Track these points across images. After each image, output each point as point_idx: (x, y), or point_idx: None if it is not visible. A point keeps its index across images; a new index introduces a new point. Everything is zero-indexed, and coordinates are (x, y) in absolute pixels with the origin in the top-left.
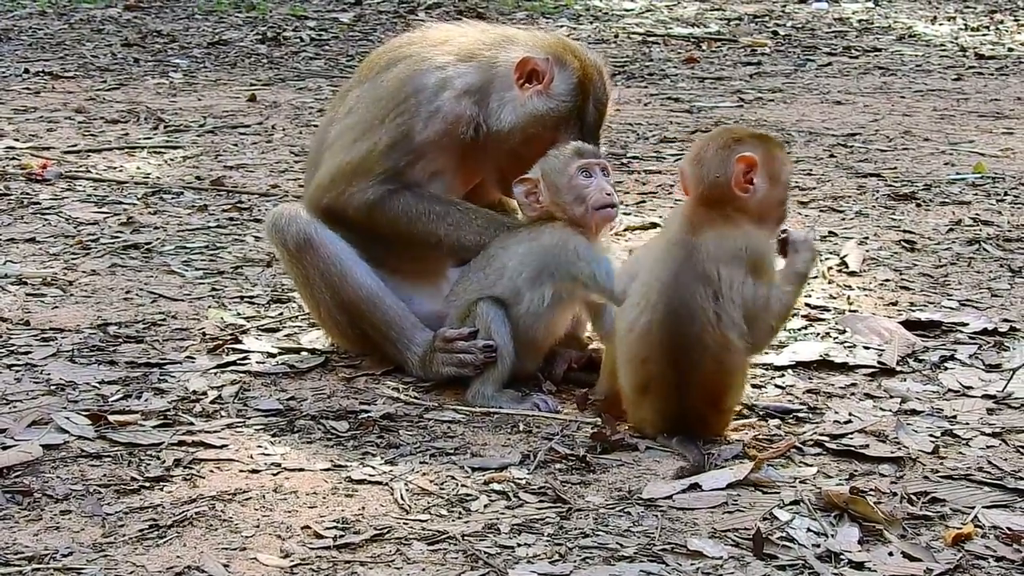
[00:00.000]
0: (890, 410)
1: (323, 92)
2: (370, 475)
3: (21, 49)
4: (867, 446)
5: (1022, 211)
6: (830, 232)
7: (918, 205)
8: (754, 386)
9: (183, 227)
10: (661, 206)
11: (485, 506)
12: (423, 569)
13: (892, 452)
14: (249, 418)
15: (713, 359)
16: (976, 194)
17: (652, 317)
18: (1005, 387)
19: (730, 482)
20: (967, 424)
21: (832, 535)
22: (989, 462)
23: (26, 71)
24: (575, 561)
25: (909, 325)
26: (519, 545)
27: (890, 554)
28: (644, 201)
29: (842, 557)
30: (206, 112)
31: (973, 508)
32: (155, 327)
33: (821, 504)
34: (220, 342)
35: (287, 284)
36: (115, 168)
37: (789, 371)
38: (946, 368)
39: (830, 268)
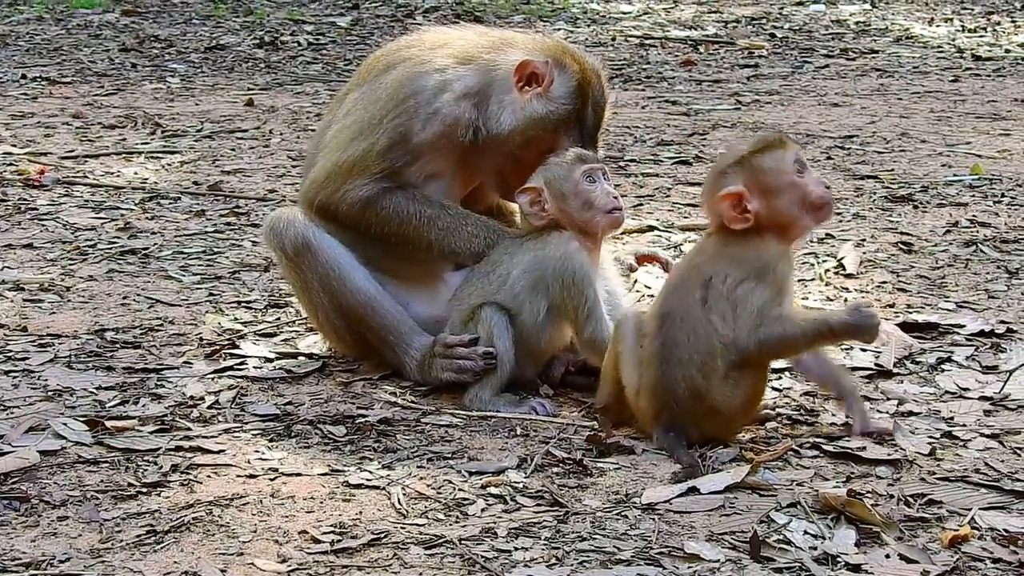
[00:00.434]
0: (887, 412)
1: (321, 96)
2: (367, 479)
3: (18, 55)
4: (864, 448)
5: (1019, 213)
6: (827, 234)
7: (915, 207)
8: None
9: (180, 232)
10: (658, 209)
11: (482, 510)
12: (420, 573)
13: (889, 454)
14: (246, 423)
15: (695, 338)
16: (973, 196)
17: (654, 312)
18: (1002, 389)
19: (727, 485)
20: (964, 426)
21: (829, 537)
22: (986, 464)
23: (23, 77)
24: (572, 565)
25: (906, 327)
26: (516, 549)
27: (887, 556)
28: (641, 204)
29: (839, 559)
30: (203, 117)
31: (970, 510)
32: (152, 332)
33: (818, 506)
34: (217, 347)
35: (284, 289)
36: (112, 173)
37: (786, 373)
38: (943, 370)
39: (827, 270)
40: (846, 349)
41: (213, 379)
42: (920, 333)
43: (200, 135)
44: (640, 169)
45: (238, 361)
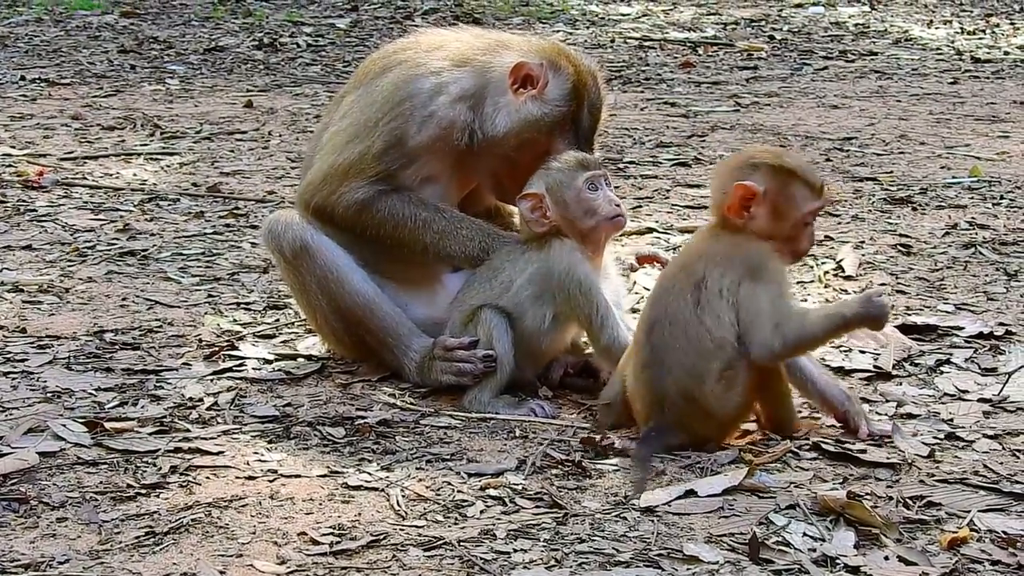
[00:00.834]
0: (886, 414)
1: (320, 98)
2: (366, 481)
3: (17, 56)
4: (863, 450)
5: (1018, 215)
6: (826, 236)
7: (914, 209)
8: None
9: (179, 234)
10: (657, 211)
11: (481, 512)
12: (419, 575)
13: (888, 456)
14: (245, 425)
15: (685, 340)
16: (972, 198)
17: (643, 318)
18: (1001, 391)
19: (726, 487)
20: (963, 428)
21: (828, 539)
22: (985, 466)
23: (22, 78)
24: (571, 567)
25: (905, 329)
26: (515, 551)
27: (886, 558)
28: (640, 206)
29: (838, 561)
30: (202, 118)
31: (969, 512)
32: (151, 334)
33: (817, 508)
34: (216, 349)
35: (283, 290)
36: (111, 175)
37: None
38: (942, 372)
39: (826, 272)
40: (845, 351)
41: (212, 381)
42: (919, 335)
43: (199, 136)
44: (639, 171)
45: (237, 363)
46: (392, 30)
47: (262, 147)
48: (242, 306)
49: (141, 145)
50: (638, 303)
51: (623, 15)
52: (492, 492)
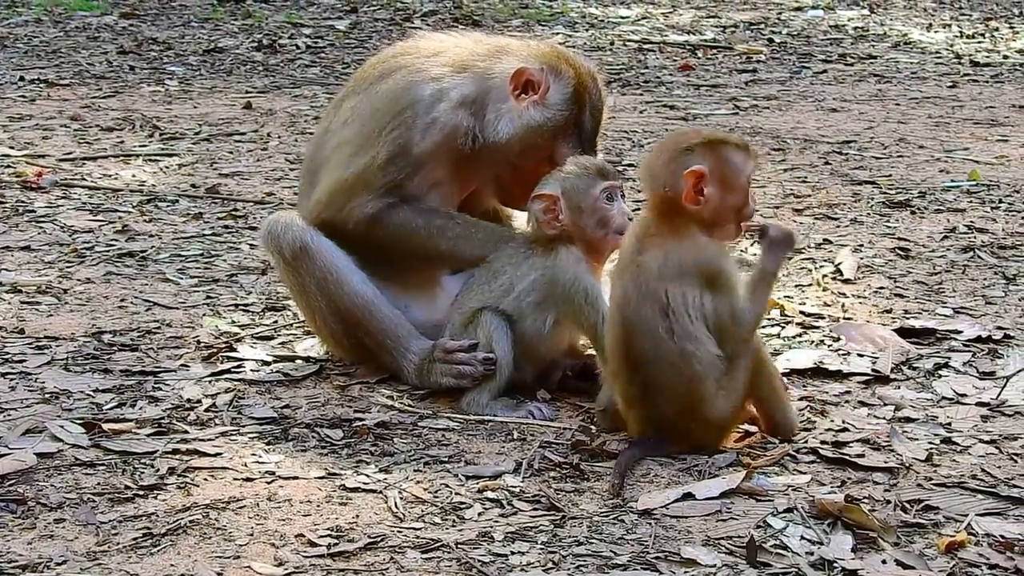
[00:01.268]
0: (884, 418)
1: (319, 100)
2: (364, 483)
3: (17, 57)
4: (861, 454)
5: (1016, 219)
6: (825, 239)
7: (913, 212)
8: None
9: (178, 235)
10: None
11: (479, 514)
12: None
13: (886, 460)
14: (243, 426)
15: (673, 371)
16: (971, 201)
17: (613, 334)
18: (999, 395)
19: (724, 490)
20: (961, 432)
21: (826, 543)
22: (983, 470)
23: (21, 79)
24: (569, 569)
25: (903, 332)
26: (513, 553)
27: (883, 562)
28: (639, 209)
29: (835, 565)
30: (201, 120)
31: (967, 516)
32: (150, 335)
33: (815, 512)
34: (215, 350)
35: (282, 292)
36: (110, 176)
37: (783, 379)
38: (940, 376)
39: (824, 276)
40: (843, 354)
41: (210, 382)
42: (917, 339)
43: (198, 138)
44: (638, 173)
45: (235, 364)
46: (391, 32)
47: (261, 148)
48: (240, 308)
49: (140, 146)
50: None
51: (622, 18)
52: (490, 494)
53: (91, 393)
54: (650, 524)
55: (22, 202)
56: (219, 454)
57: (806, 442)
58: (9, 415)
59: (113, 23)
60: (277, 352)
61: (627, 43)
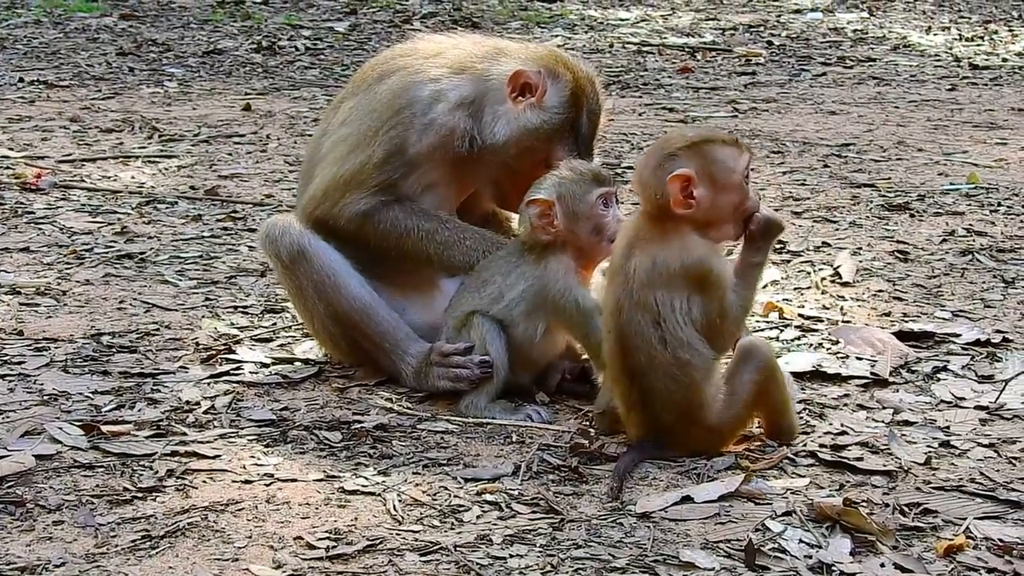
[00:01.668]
0: (883, 421)
1: (318, 101)
2: (363, 486)
3: (16, 58)
4: (860, 457)
5: (1015, 222)
6: (823, 242)
7: (912, 215)
8: None
9: (177, 237)
10: None
11: (478, 517)
12: None
13: (884, 463)
14: (242, 428)
15: (670, 379)
16: (970, 205)
17: (609, 343)
18: (997, 398)
19: (722, 493)
20: (960, 435)
21: (824, 546)
22: (981, 473)
23: (21, 80)
24: (567, 572)
25: (902, 336)
26: (511, 556)
27: (882, 565)
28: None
29: (834, 568)
30: (201, 121)
31: (965, 519)
32: (148, 337)
33: (813, 515)
34: (213, 352)
35: (281, 294)
36: (109, 177)
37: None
38: (939, 379)
39: (823, 279)
40: (842, 358)
41: (209, 384)
42: (916, 342)
43: (197, 139)
44: None
45: (234, 366)
46: (391, 34)
47: (260, 150)
48: (239, 310)
49: (139, 148)
50: None
51: (622, 20)
52: (488, 497)
53: (90, 395)
54: (649, 527)
55: (21, 203)
56: (218, 456)
57: (805, 445)
58: (8, 417)
59: (112, 24)
60: (276, 354)
61: (626, 45)
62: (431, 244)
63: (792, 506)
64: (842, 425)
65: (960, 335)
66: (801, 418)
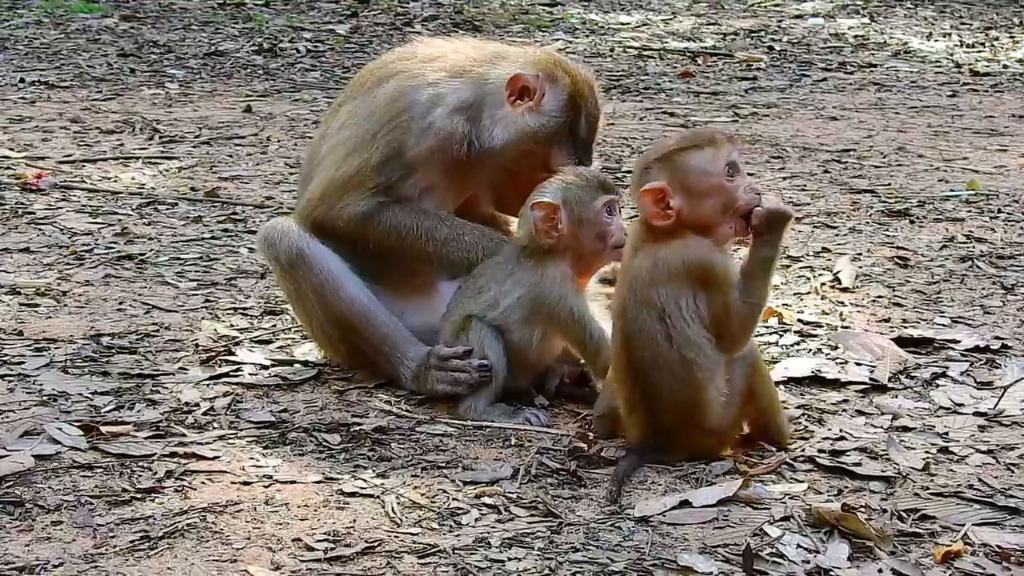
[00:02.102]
0: (882, 427)
1: (319, 104)
2: (362, 488)
3: (17, 59)
4: (859, 463)
5: (1015, 228)
6: (823, 248)
7: (912, 222)
8: None
9: (177, 238)
10: None
11: (476, 520)
12: None
13: (883, 469)
14: (241, 430)
15: (674, 379)
16: (970, 211)
17: (616, 341)
18: (996, 404)
19: (720, 498)
20: (958, 441)
21: (822, 551)
22: (980, 479)
23: (22, 81)
24: (565, 575)
25: (901, 342)
26: (509, 559)
27: (880, 571)
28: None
29: (832, 573)
30: (201, 123)
31: (963, 525)
32: (148, 338)
33: (812, 520)
34: (213, 353)
35: (280, 296)
36: (110, 178)
37: (781, 387)
38: (938, 385)
39: (823, 284)
40: (841, 363)
41: (208, 385)
42: (915, 348)
43: (198, 141)
44: None
45: (234, 368)
46: (392, 36)
47: (261, 152)
48: (239, 311)
49: (140, 149)
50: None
51: (622, 24)
52: (487, 500)
53: (89, 396)
54: (647, 531)
55: (21, 204)
56: (217, 458)
57: (803, 450)
58: (7, 417)
59: (114, 25)
60: (275, 356)
61: (627, 50)
62: (431, 242)
63: (790, 511)
64: (841, 430)
65: (959, 341)
66: (800, 423)
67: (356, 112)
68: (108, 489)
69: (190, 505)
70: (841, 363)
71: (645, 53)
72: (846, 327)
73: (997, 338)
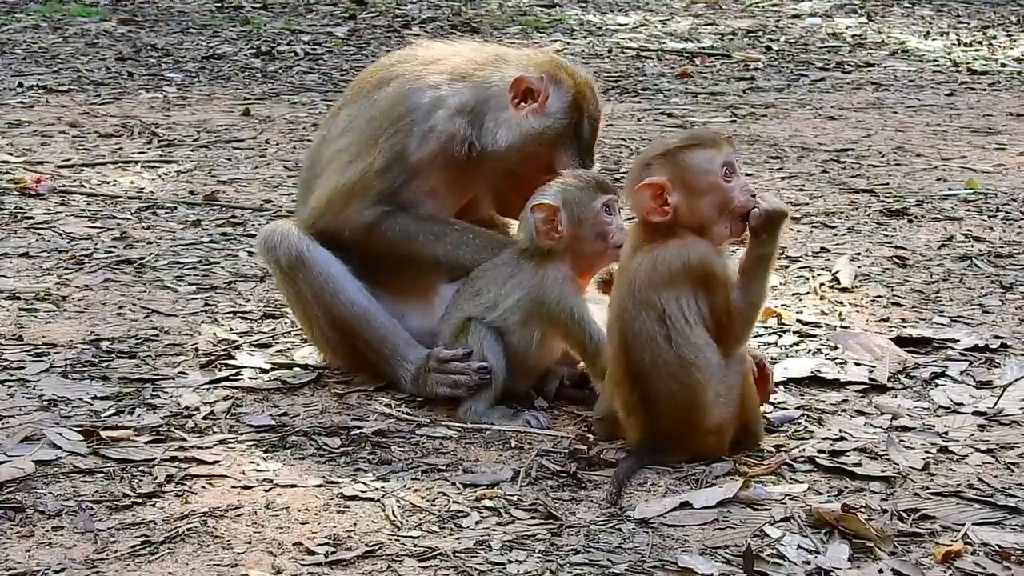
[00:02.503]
0: (881, 427)
1: (317, 107)
2: (362, 491)
3: (15, 63)
4: (858, 463)
5: (1014, 227)
6: (822, 248)
7: (910, 221)
8: None
9: (176, 242)
10: None
11: (476, 523)
12: None
13: (883, 469)
14: (241, 434)
15: (672, 380)
16: (968, 210)
17: (614, 343)
18: (996, 404)
19: (721, 499)
20: (958, 441)
21: (823, 552)
22: (980, 479)
23: (20, 85)
24: None
25: (900, 341)
26: (510, 562)
27: (880, 571)
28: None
29: (832, 574)
30: (200, 126)
31: (963, 525)
32: (148, 342)
33: (812, 521)
34: (213, 357)
35: (280, 299)
36: (109, 183)
37: (780, 387)
38: (937, 385)
39: (822, 284)
40: (840, 363)
41: (208, 389)
42: (914, 348)
43: (197, 144)
44: None
45: (233, 372)
46: (390, 39)
47: (259, 155)
48: (238, 315)
49: (138, 153)
50: None
51: (620, 25)
52: (487, 503)
53: (89, 400)
54: (647, 533)
55: (21, 209)
56: (217, 462)
57: (803, 451)
58: (7, 422)
59: (112, 29)
60: (275, 360)
61: (625, 50)
62: (440, 246)
63: (791, 512)
64: (840, 431)
65: (958, 340)
66: (800, 424)
67: (357, 116)
68: (109, 494)
69: (191, 510)
70: (840, 363)
71: (643, 54)
72: (845, 327)
73: (996, 337)
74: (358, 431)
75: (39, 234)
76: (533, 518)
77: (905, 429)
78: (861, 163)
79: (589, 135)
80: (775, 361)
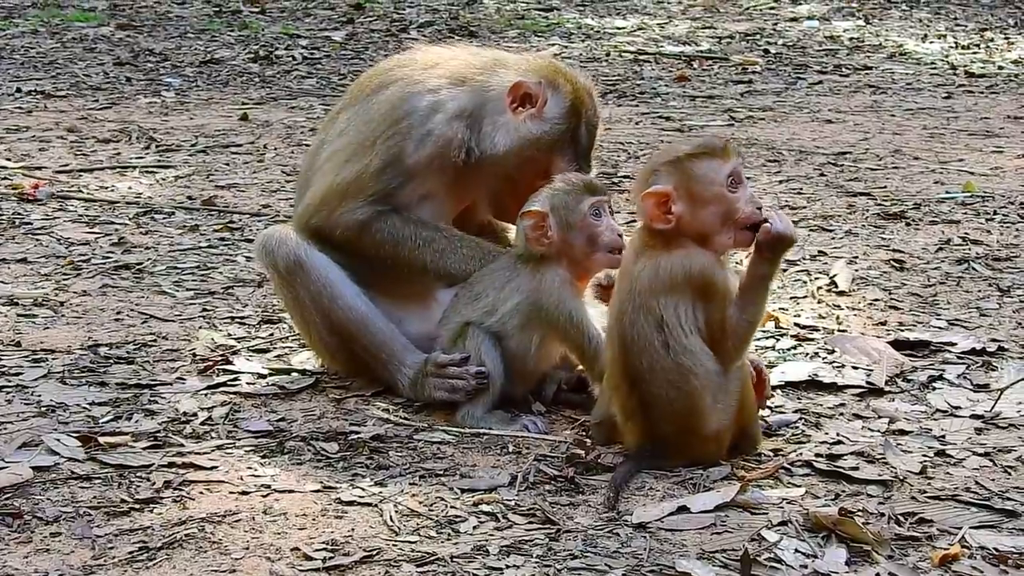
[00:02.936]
0: (878, 430)
1: (315, 111)
2: (360, 496)
3: (13, 68)
4: (856, 467)
5: (1011, 230)
6: (820, 251)
7: (907, 224)
8: None
9: (174, 247)
10: None
11: (474, 528)
12: None
13: (880, 473)
14: (239, 439)
15: (671, 386)
16: (965, 213)
17: (612, 348)
18: (993, 407)
19: (718, 503)
20: (955, 444)
21: (820, 556)
22: (977, 482)
23: (18, 90)
24: None
25: (898, 345)
26: (508, 567)
27: (877, 575)
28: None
29: None
30: (198, 131)
31: (961, 529)
32: (146, 348)
33: (809, 525)
34: (210, 363)
35: (278, 304)
36: (107, 188)
37: (778, 391)
38: (934, 388)
39: (819, 288)
40: (838, 367)
41: (206, 395)
42: (912, 351)
43: (194, 149)
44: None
45: (231, 377)
46: (388, 43)
47: (257, 160)
48: (236, 320)
49: (136, 158)
50: None
51: (618, 29)
52: (485, 508)
53: (87, 406)
54: (645, 537)
55: (18, 214)
56: (215, 467)
57: (800, 455)
58: (5, 428)
59: (110, 34)
60: (273, 365)
61: (623, 54)
62: (427, 252)
63: (788, 516)
64: (838, 434)
65: (956, 344)
66: (797, 427)
67: (355, 119)
68: (106, 500)
69: (188, 515)
70: (838, 367)
71: (641, 57)
72: (843, 331)
73: (993, 340)
74: (356, 436)
75: (37, 239)
76: (531, 523)
77: (902, 433)
78: (858, 166)
79: (587, 140)
80: (772, 365)
